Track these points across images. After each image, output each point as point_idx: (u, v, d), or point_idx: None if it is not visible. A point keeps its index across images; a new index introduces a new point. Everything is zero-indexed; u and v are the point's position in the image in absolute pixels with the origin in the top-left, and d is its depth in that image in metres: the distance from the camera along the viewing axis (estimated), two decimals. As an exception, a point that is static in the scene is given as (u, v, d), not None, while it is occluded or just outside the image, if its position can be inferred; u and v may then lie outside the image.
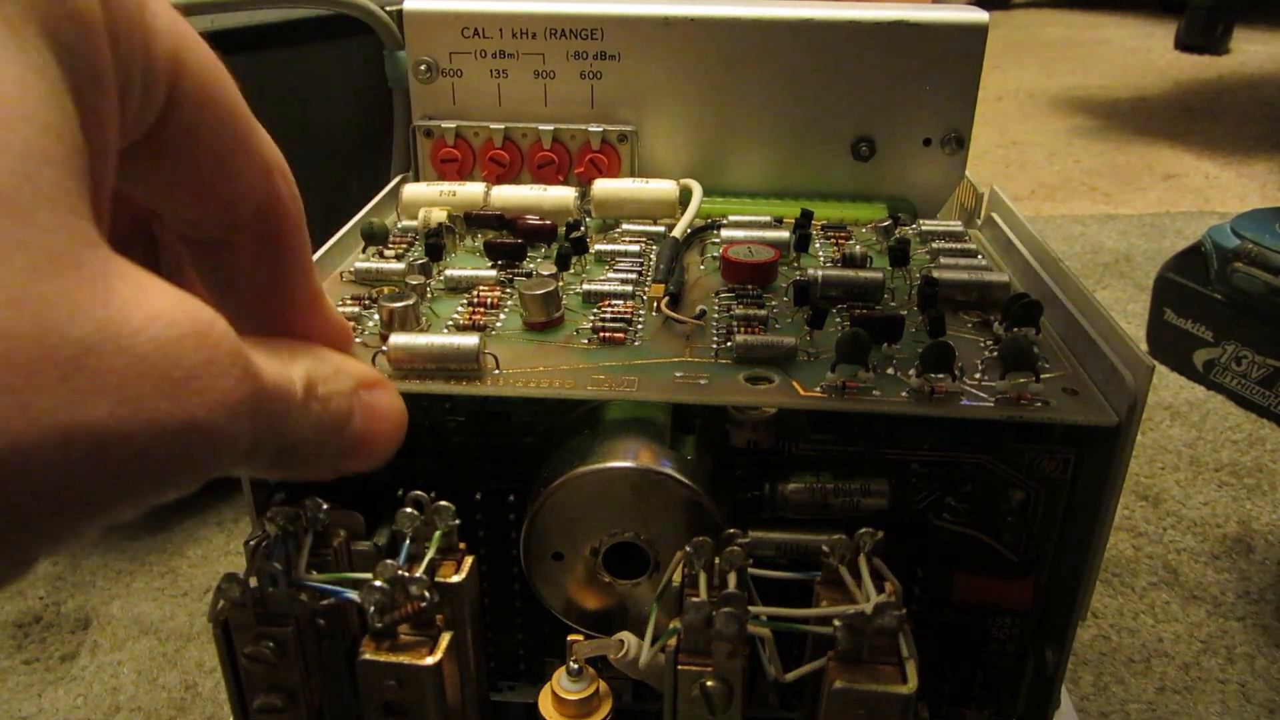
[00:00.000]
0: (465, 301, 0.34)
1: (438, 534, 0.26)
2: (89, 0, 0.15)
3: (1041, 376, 0.29)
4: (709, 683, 0.24)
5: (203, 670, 0.49)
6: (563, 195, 0.41)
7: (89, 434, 0.12)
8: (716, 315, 0.34)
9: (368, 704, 0.25)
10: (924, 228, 0.42)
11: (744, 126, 0.46)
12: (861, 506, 0.31)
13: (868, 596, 0.25)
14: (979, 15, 0.44)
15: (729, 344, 0.31)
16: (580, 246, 0.36)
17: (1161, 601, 0.52)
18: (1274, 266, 0.67)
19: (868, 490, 0.31)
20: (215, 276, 0.20)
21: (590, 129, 0.45)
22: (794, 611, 0.25)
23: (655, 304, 0.32)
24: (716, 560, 0.26)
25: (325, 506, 0.27)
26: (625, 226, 0.41)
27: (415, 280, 0.34)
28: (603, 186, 0.42)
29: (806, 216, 0.40)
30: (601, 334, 0.31)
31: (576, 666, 0.28)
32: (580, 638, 0.29)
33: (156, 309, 0.14)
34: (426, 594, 0.24)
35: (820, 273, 0.34)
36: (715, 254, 0.38)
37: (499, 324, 0.33)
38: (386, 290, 0.34)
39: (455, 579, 0.26)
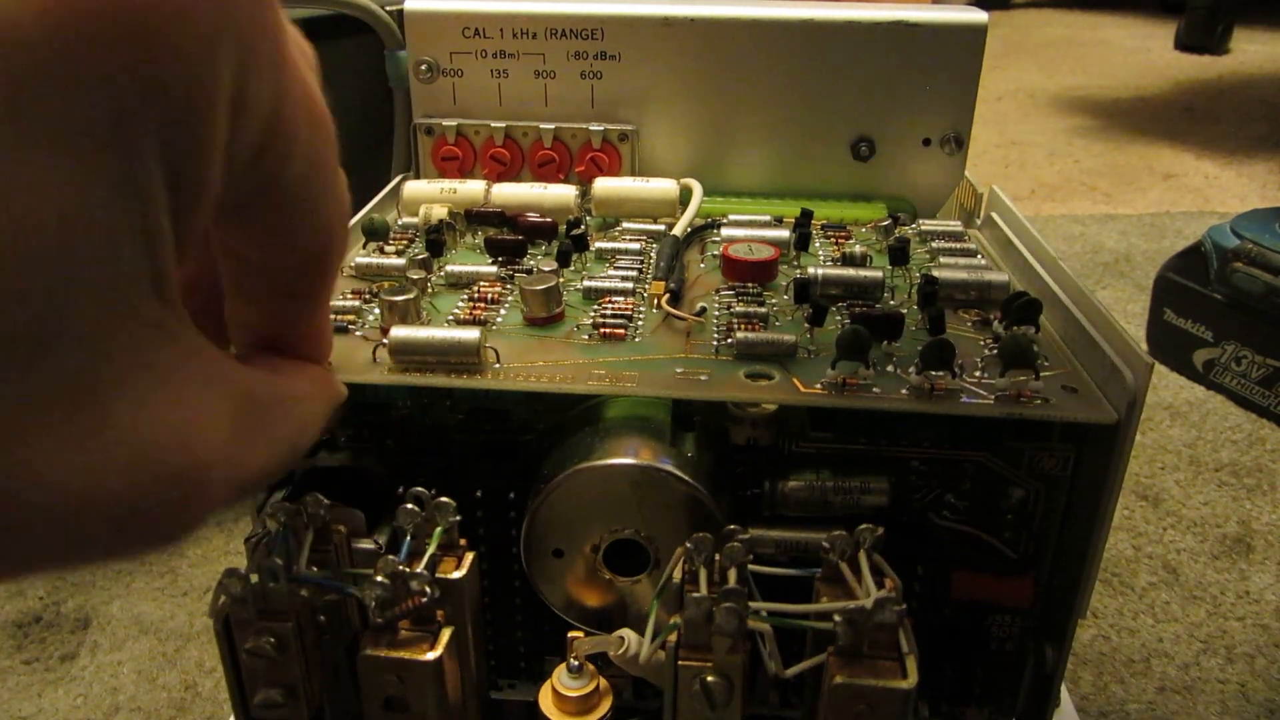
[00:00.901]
0: (465, 297, 0.34)
1: (438, 530, 0.26)
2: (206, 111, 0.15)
3: (1041, 374, 0.29)
4: (709, 678, 0.24)
5: (203, 670, 0.49)
6: (563, 193, 0.42)
7: None
8: (717, 312, 0.34)
9: (368, 700, 0.25)
10: (924, 227, 0.42)
11: (744, 126, 0.46)
12: (861, 504, 0.31)
13: (868, 592, 0.25)
14: (979, 15, 0.44)
15: (729, 341, 0.31)
16: (581, 244, 0.36)
17: (1161, 601, 0.52)
18: (1274, 266, 0.67)
19: (868, 488, 0.31)
20: (244, 286, 0.21)
21: (591, 128, 0.45)
22: (794, 607, 0.25)
23: (655, 301, 0.32)
24: (716, 557, 0.26)
25: (326, 503, 0.27)
26: (625, 225, 0.41)
27: (416, 275, 0.34)
28: (603, 185, 0.42)
29: (806, 216, 0.40)
30: (602, 330, 0.31)
31: (577, 663, 0.28)
32: (580, 634, 0.29)
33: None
34: (427, 589, 0.24)
35: (820, 271, 0.34)
36: (715, 252, 0.38)
37: (499, 319, 0.33)
38: (387, 285, 0.34)
39: (456, 575, 0.26)
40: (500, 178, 0.45)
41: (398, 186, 0.44)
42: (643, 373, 0.30)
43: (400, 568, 0.24)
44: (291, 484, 0.30)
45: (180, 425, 0.15)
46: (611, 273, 0.36)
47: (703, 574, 0.25)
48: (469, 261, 0.37)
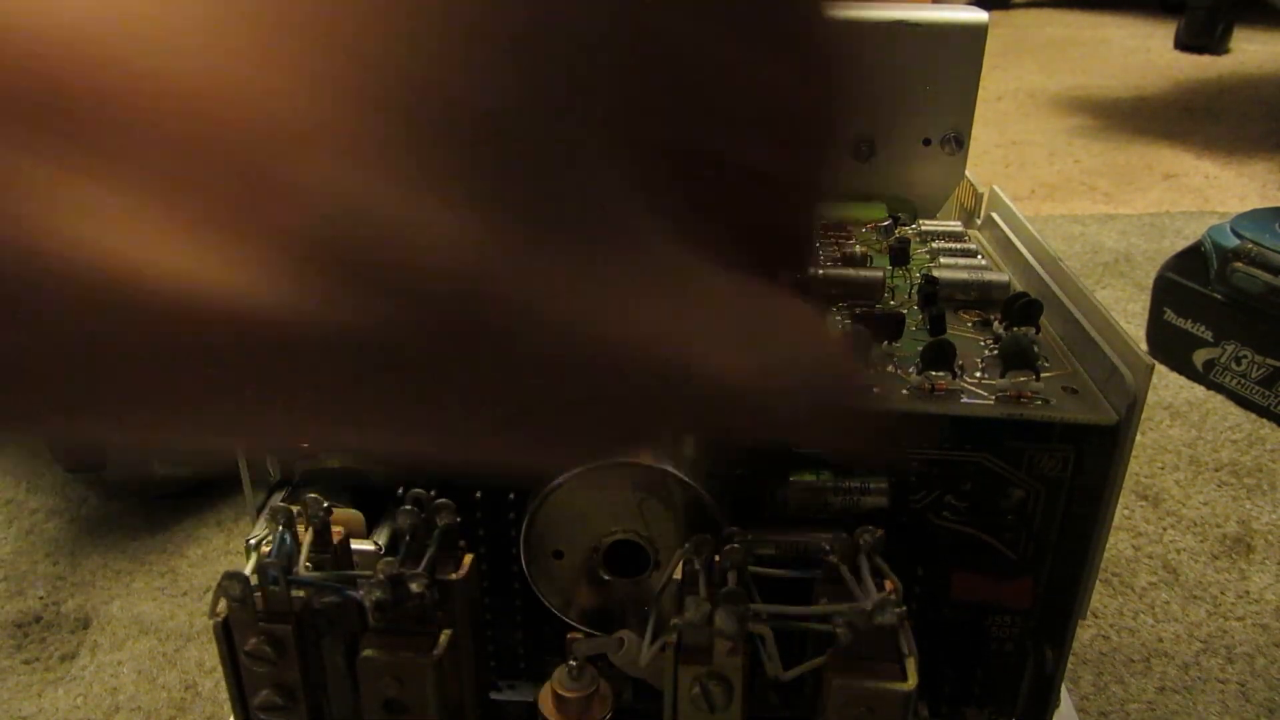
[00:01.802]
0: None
1: (437, 532, 0.26)
2: None
3: (1041, 375, 0.29)
4: (709, 681, 0.24)
5: (203, 670, 0.49)
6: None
7: None
8: None
9: (368, 702, 0.25)
10: (924, 227, 0.42)
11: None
12: (861, 505, 0.31)
13: (868, 594, 0.25)
14: (979, 15, 0.44)
15: None
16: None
17: (1161, 601, 0.52)
18: (1274, 266, 0.67)
19: (867, 488, 0.31)
20: None
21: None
22: (794, 609, 0.25)
23: None
24: (716, 559, 0.26)
25: (325, 504, 0.27)
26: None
27: None
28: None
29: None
30: None
31: (576, 665, 0.28)
32: (580, 636, 0.29)
33: None
34: (426, 591, 0.24)
35: (820, 271, 0.34)
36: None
37: None
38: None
39: (455, 576, 0.26)
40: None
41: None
42: None
43: (399, 569, 0.24)
44: (291, 484, 0.30)
45: None
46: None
47: (702, 576, 0.25)
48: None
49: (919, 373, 0.29)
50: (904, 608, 0.24)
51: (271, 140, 0.11)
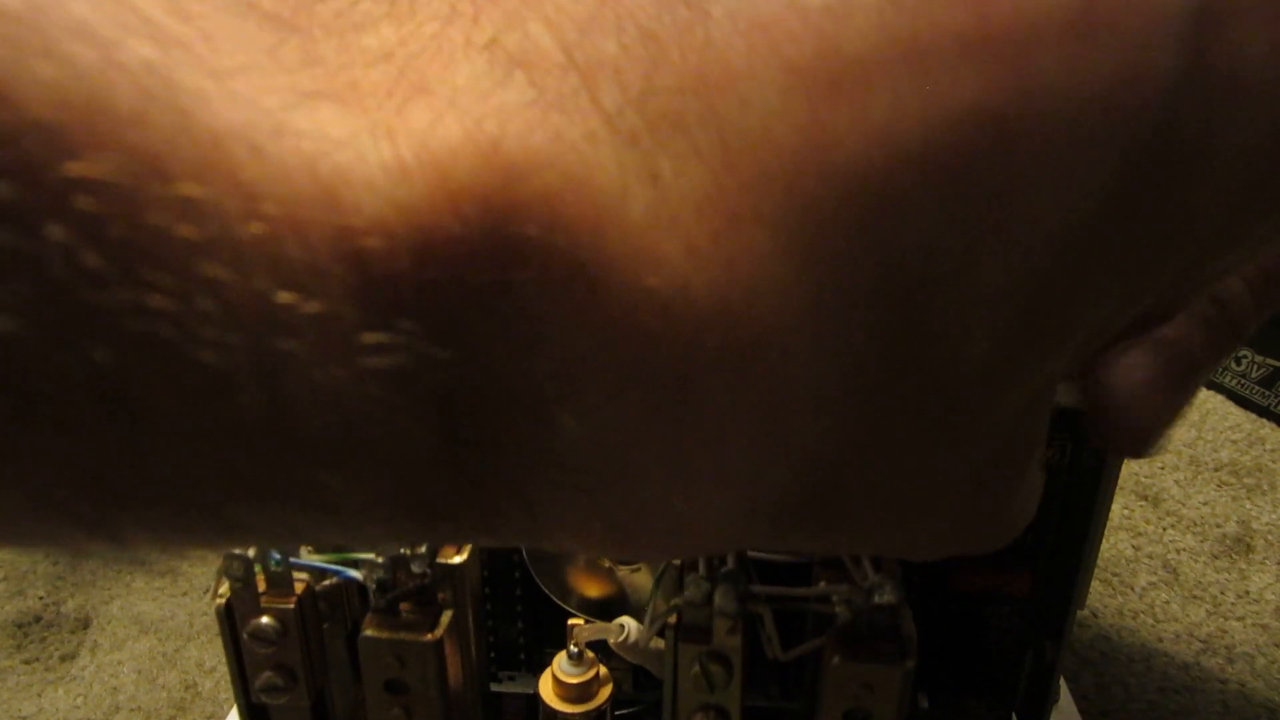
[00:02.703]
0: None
1: (440, 515, 0.26)
2: None
3: None
4: (708, 661, 0.24)
5: (203, 670, 0.49)
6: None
7: None
8: None
9: (369, 682, 0.25)
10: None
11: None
12: None
13: (866, 576, 0.25)
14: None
15: None
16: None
17: (1161, 601, 0.52)
18: (1273, 268, 0.67)
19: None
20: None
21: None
22: (793, 590, 0.25)
23: None
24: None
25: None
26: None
27: None
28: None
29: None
30: None
31: (577, 650, 0.28)
32: (580, 622, 0.29)
33: None
34: (428, 571, 0.24)
35: None
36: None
37: None
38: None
39: (456, 560, 0.26)
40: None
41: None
42: None
43: (401, 550, 0.24)
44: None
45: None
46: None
47: (702, 559, 0.26)
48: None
49: None
50: (902, 588, 0.24)
51: None
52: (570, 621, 0.29)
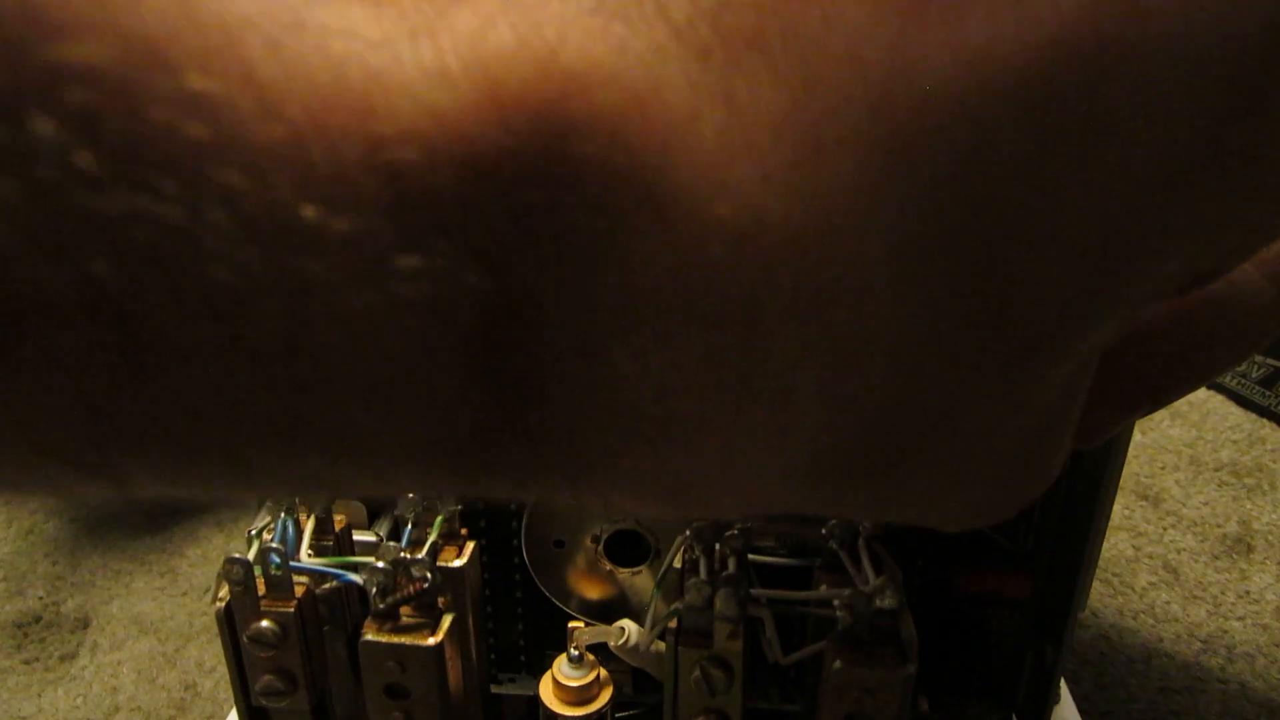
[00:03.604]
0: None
1: (439, 519, 0.26)
2: None
3: None
4: (709, 665, 0.24)
5: (202, 670, 0.49)
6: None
7: None
8: None
9: (369, 686, 0.25)
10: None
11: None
12: None
13: (867, 579, 0.25)
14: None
15: None
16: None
17: (1161, 601, 0.52)
18: (1273, 268, 0.67)
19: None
20: None
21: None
22: (794, 594, 0.25)
23: None
24: (717, 547, 0.26)
25: (327, 493, 0.27)
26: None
27: None
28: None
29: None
30: None
31: (577, 653, 0.28)
32: (580, 624, 0.29)
33: None
34: (429, 575, 0.24)
35: None
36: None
37: None
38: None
39: (457, 563, 0.26)
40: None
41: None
42: None
43: (402, 554, 0.24)
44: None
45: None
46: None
47: (703, 562, 0.25)
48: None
49: None
50: (903, 591, 0.24)
51: None
52: (570, 624, 0.29)
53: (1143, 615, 0.52)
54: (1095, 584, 0.54)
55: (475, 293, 0.09)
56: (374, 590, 0.24)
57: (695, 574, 0.25)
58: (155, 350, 0.09)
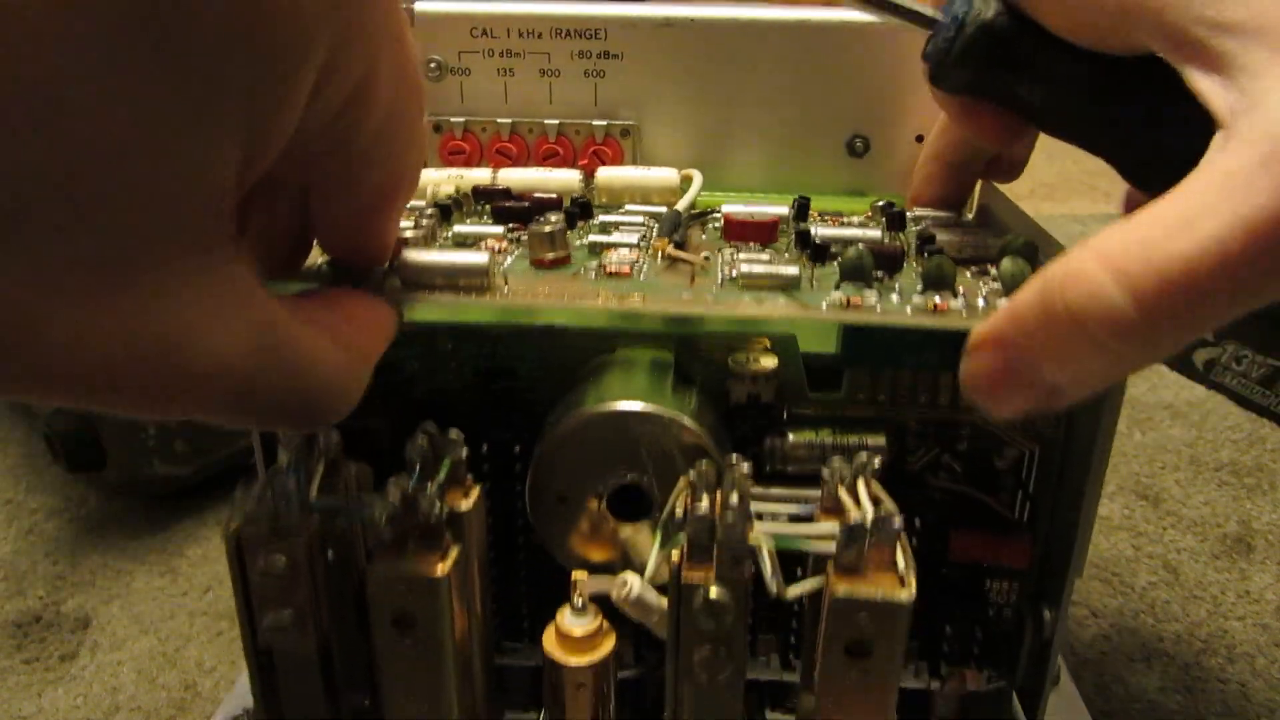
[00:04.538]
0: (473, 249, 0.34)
1: (447, 461, 0.27)
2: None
3: None
4: (712, 591, 0.25)
5: (203, 670, 0.49)
6: (568, 175, 0.43)
7: None
8: (720, 263, 0.34)
9: (377, 618, 0.25)
10: (918, 213, 0.43)
11: (742, 123, 0.47)
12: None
13: (866, 515, 0.25)
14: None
15: (734, 274, 0.31)
16: (587, 211, 0.37)
17: (1161, 601, 0.52)
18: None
19: (865, 445, 0.32)
20: (320, 214, 0.23)
21: (594, 123, 0.47)
22: (795, 527, 0.25)
23: (660, 253, 0.32)
24: (718, 490, 0.27)
25: (336, 438, 0.27)
26: (629, 206, 0.42)
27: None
28: (606, 173, 0.43)
29: (804, 200, 0.40)
30: (608, 269, 0.31)
31: (581, 603, 0.29)
32: (584, 575, 0.29)
33: None
34: (437, 505, 0.25)
35: (820, 229, 0.35)
36: (717, 225, 0.39)
37: (506, 264, 0.33)
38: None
39: (464, 507, 0.27)
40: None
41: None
42: (650, 295, 0.30)
43: (410, 488, 0.25)
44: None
45: (187, 326, 0.18)
46: (616, 235, 0.36)
47: (705, 498, 0.26)
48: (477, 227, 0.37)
49: (921, 293, 0.29)
50: (902, 521, 0.24)
51: None
52: (574, 575, 0.29)
53: (1143, 615, 0.52)
54: (1095, 584, 0.54)
55: None
56: (384, 517, 0.24)
57: (699, 503, 0.25)
58: None
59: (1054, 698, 0.35)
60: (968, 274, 0.33)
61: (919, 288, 0.30)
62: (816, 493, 0.28)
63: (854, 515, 0.25)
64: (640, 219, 0.39)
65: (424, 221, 0.35)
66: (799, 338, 0.32)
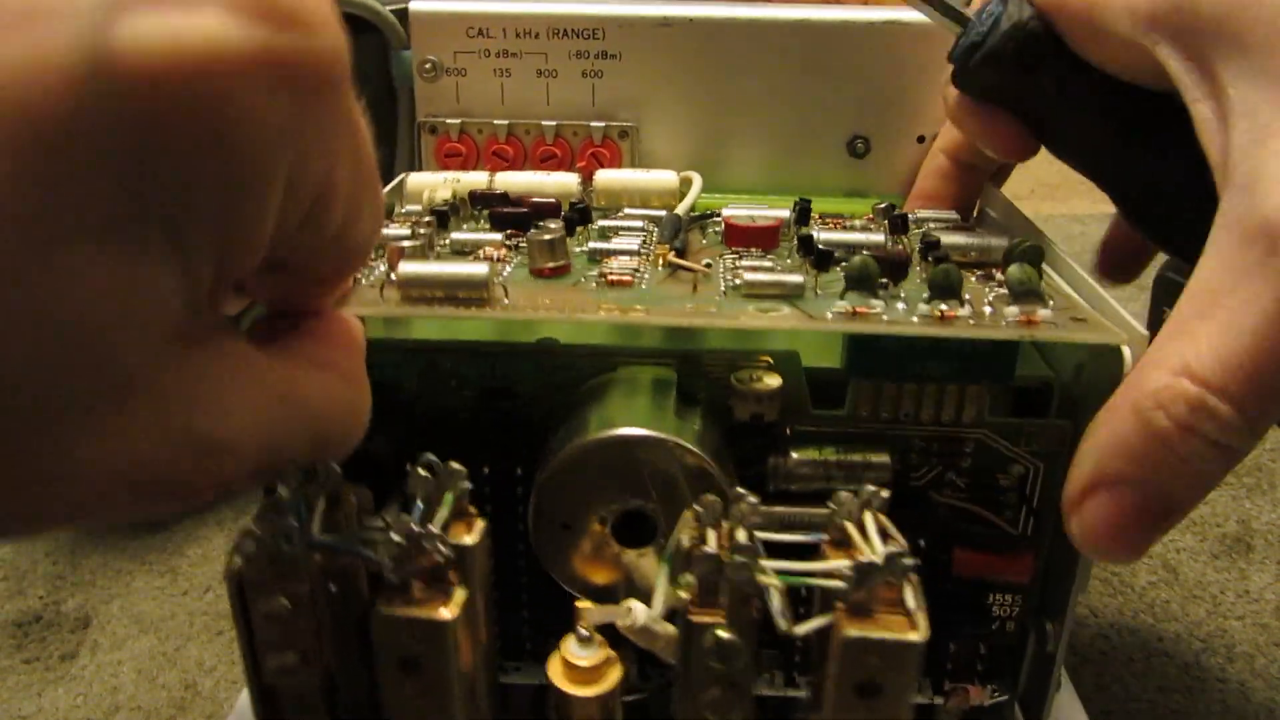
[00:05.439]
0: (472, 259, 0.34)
1: (449, 496, 0.27)
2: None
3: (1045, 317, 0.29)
4: (722, 633, 0.24)
5: (203, 670, 0.49)
6: (567, 179, 0.42)
7: None
8: (723, 270, 0.34)
9: (383, 662, 0.25)
10: (920, 215, 0.42)
11: (742, 125, 0.47)
12: (864, 479, 0.31)
13: (874, 552, 0.25)
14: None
15: (737, 283, 0.30)
16: (585, 216, 0.37)
17: (1161, 601, 0.53)
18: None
19: (869, 464, 0.32)
20: (279, 282, 0.23)
21: (592, 125, 0.46)
22: (804, 565, 0.25)
23: (661, 259, 0.32)
24: (724, 523, 0.26)
25: (338, 471, 0.27)
26: (627, 210, 0.41)
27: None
28: (605, 176, 0.43)
29: (805, 203, 0.40)
30: (609, 278, 0.31)
31: (586, 633, 0.28)
32: (588, 605, 0.29)
33: None
34: (441, 547, 0.24)
35: (822, 234, 0.34)
36: (717, 229, 0.38)
37: (505, 273, 0.33)
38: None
39: (468, 540, 0.26)
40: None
41: (401, 181, 0.44)
42: (652, 307, 0.29)
43: (414, 527, 0.24)
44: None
45: (208, 414, 0.18)
46: (616, 241, 0.36)
47: (711, 534, 0.26)
48: (475, 233, 0.37)
49: (927, 302, 0.29)
50: (912, 559, 0.24)
51: None
52: (578, 604, 0.29)
53: (1142, 615, 0.52)
54: (1095, 584, 0.54)
55: None
56: (387, 562, 0.24)
57: (704, 542, 0.25)
58: None
59: (1055, 702, 0.35)
60: (972, 278, 0.33)
61: (925, 295, 0.29)
62: (823, 510, 0.27)
63: (864, 553, 0.25)
64: (640, 223, 0.38)
65: (421, 230, 0.35)
66: (802, 353, 0.32)
